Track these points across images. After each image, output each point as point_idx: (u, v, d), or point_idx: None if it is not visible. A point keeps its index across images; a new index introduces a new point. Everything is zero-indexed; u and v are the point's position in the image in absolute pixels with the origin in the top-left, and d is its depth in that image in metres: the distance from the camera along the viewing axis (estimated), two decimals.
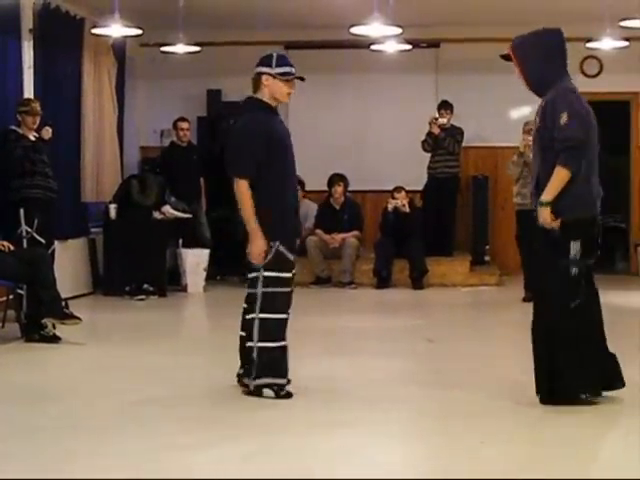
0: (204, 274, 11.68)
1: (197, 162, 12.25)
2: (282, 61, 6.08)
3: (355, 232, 12.36)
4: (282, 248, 5.94)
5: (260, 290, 5.92)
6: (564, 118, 5.57)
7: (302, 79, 6.17)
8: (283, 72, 6.04)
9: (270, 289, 5.92)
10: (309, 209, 12.61)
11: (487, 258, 12.90)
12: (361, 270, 12.25)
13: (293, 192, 6.19)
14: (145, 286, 10.99)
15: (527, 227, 7.12)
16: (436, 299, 11.41)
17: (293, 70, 6.08)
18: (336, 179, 12.49)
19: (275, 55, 6.12)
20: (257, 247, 5.90)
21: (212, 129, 12.96)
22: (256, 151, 5.92)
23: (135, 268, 11.00)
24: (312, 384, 6.29)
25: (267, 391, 5.92)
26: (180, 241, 11.71)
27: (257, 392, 5.93)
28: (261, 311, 5.91)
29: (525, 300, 9.80)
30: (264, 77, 6.03)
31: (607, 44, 11.31)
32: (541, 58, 5.79)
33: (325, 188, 12.56)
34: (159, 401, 6.00)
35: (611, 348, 5.83)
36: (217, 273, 12.35)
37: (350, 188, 12.62)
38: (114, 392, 6.27)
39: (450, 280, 12.20)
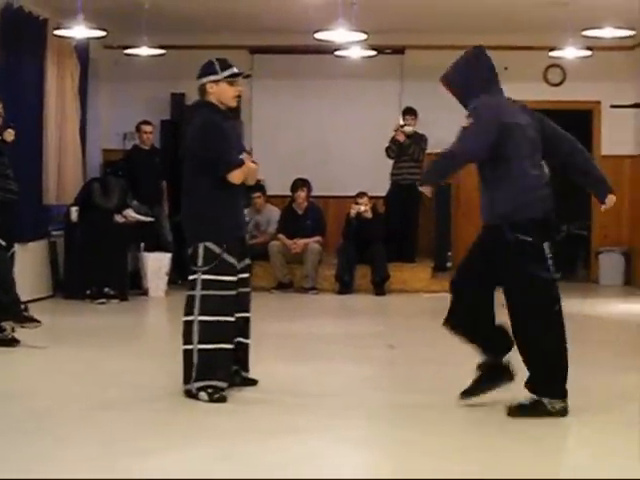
0: (166, 278, 11.64)
1: (160, 165, 12.21)
2: (225, 64, 6.06)
3: (317, 237, 12.35)
4: (212, 246, 5.87)
5: (199, 293, 5.90)
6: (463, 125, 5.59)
7: (248, 76, 6.13)
8: (230, 74, 6.02)
9: (209, 292, 5.88)
10: (271, 214, 12.61)
11: (449, 264, 12.93)
12: (323, 275, 12.26)
13: (239, 194, 6.10)
14: (106, 290, 10.92)
15: None
16: (398, 305, 11.43)
17: (238, 70, 6.06)
18: (299, 184, 12.47)
19: (216, 60, 6.09)
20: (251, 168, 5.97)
21: (175, 132, 12.90)
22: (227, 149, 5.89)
23: (96, 271, 10.93)
24: (272, 389, 6.27)
25: (202, 394, 5.88)
26: (142, 245, 11.66)
27: (195, 395, 5.89)
28: (200, 314, 5.89)
29: None
30: (208, 85, 6.01)
31: (570, 53, 11.39)
32: (463, 73, 5.74)
33: (288, 193, 12.55)
34: (119, 405, 5.95)
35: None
36: (179, 277, 12.26)
37: (313, 193, 12.62)
38: (74, 396, 6.22)
39: (412, 286, 12.23)
